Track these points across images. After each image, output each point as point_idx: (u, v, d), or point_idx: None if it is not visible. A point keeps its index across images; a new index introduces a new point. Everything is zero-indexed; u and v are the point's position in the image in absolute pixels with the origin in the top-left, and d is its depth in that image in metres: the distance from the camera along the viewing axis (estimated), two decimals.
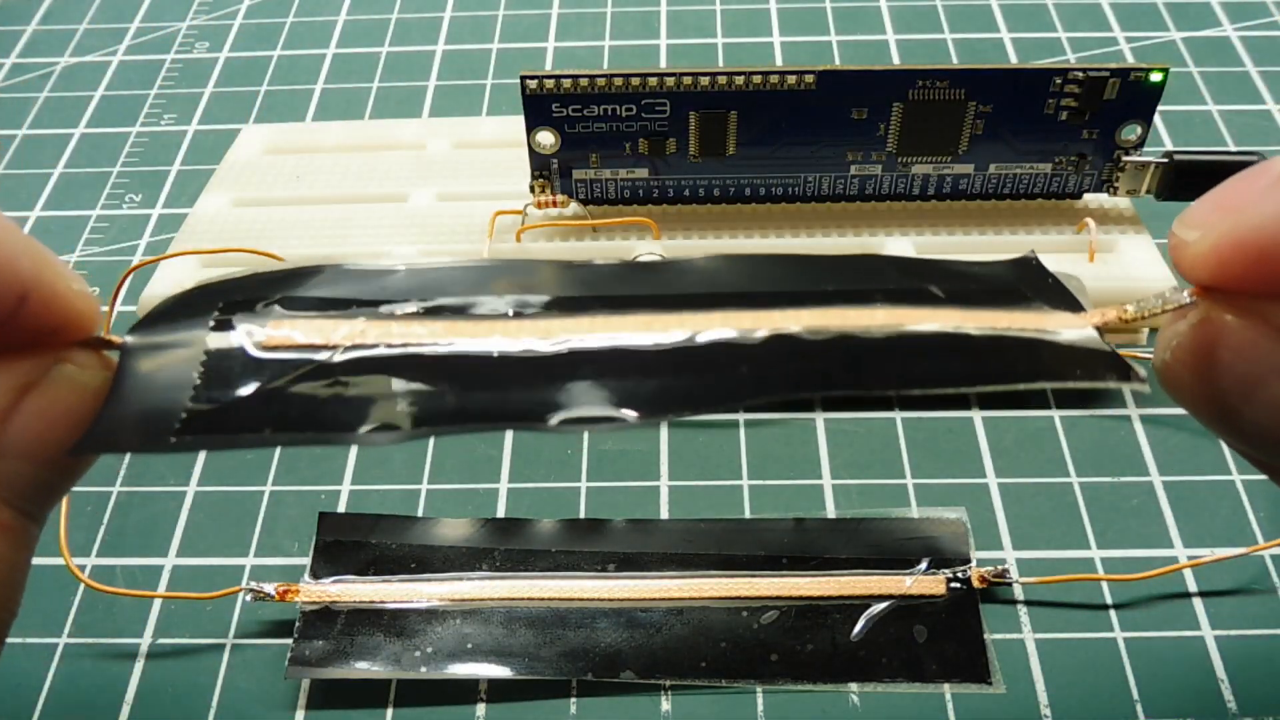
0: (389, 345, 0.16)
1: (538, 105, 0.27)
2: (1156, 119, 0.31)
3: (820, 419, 0.28)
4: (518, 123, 0.28)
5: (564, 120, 0.27)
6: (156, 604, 0.25)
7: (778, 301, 0.18)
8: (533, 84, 0.27)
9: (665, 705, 0.23)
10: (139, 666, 0.24)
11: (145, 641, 0.24)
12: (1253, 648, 0.23)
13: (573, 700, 0.23)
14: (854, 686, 0.23)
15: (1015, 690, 0.22)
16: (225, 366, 0.16)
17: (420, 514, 0.26)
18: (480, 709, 0.23)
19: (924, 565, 0.24)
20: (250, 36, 0.41)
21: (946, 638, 0.23)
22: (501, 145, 0.32)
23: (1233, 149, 0.34)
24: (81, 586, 0.25)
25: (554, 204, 0.29)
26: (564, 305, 0.17)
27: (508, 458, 0.27)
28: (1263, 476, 0.26)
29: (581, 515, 0.26)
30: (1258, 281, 0.14)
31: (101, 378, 0.16)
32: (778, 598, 0.24)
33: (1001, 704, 0.22)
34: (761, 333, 0.17)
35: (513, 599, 0.24)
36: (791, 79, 0.26)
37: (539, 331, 0.17)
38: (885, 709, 0.22)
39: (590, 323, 0.17)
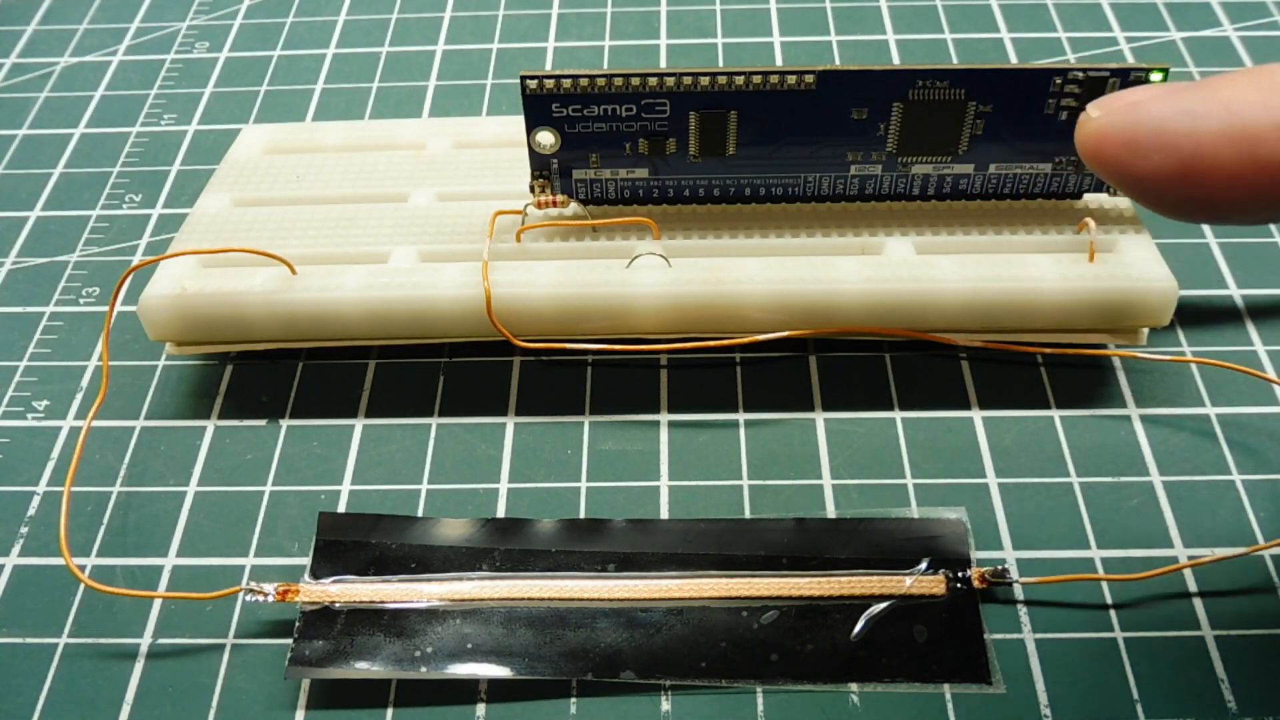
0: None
1: (538, 105, 0.27)
2: None
3: (820, 419, 0.28)
4: (518, 123, 0.28)
5: (564, 120, 0.27)
6: (156, 604, 0.25)
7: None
8: (533, 84, 0.27)
9: (665, 705, 0.23)
10: (139, 666, 0.24)
11: (145, 641, 0.24)
12: (1253, 648, 0.23)
13: (573, 700, 0.23)
14: (854, 686, 0.23)
15: (1015, 690, 0.22)
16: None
17: (420, 514, 0.26)
18: (480, 709, 0.23)
19: (924, 565, 0.24)
20: (250, 36, 0.41)
21: (946, 638, 0.23)
22: (501, 145, 0.32)
23: None
24: (81, 586, 0.25)
25: (554, 204, 0.29)
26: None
27: (508, 458, 0.27)
28: (1262, 477, 0.26)
29: (581, 515, 0.26)
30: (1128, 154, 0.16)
31: None
32: (778, 598, 0.24)
33: (1001, 704, 0.22)
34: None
35: (513, 599, 0.24)
36: (791, 79, 0.26)
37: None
38: (885, 709, 0.22)
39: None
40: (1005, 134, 0.27)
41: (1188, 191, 0.16)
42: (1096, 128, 0.17)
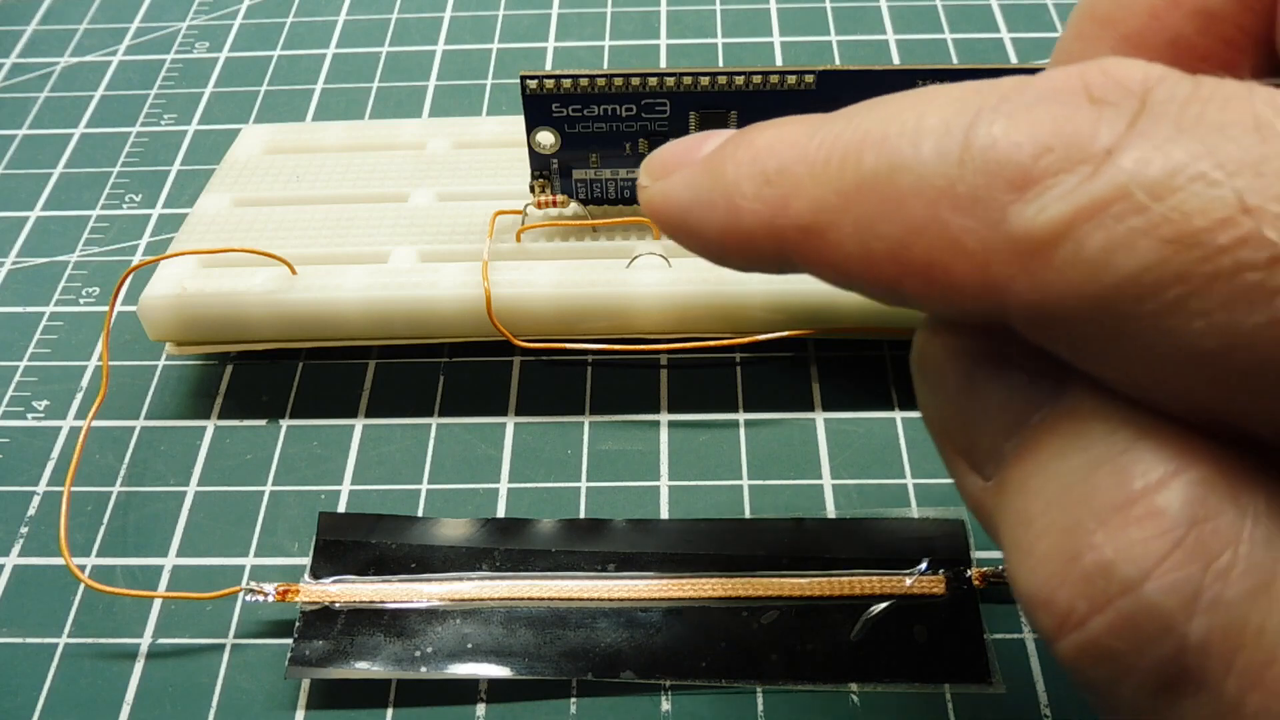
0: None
1: (538, 105, 0.27)
2: None
3: (820, 419, 0.28)
4: (518, 123, 0.28)
5: (564, 120, 0.27)
6: (156, 604, 0.25)
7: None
8: (533, 84, 0.27)
9: (665, 705, 0.23)
10: (139, 666, 0.24)
11: (145, 641, 0.24)
12: None
13: (573, 700, 0.23)
14: (854, 686, 0.23)
15: (1015, 690, 0.22)
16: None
17: (420, 514, 0.26)
18: (480, 709, 0.23)
19: (924, 565, 0.24)
20: (250, 36, 0.41)
21: (946, 638, 0.23)
22: (501, 145, 0.32)
23: None
24: (81, 586, 0.25)
25: (554, 204, 0.29)
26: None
27: (508, 458, 0.27)
28: None
29: (581, 515, 0.26)
30: (674, 234, 0.15)
31: None
32: (778, 598, 0.24)
33: (1001, 704, 0.22)
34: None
35: (513, 599, 0.24)
36: (791, 79, 0.26)
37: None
38: (885, 709, 0.22)
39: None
40: None
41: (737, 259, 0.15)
42: (648, 199, 0.15)
